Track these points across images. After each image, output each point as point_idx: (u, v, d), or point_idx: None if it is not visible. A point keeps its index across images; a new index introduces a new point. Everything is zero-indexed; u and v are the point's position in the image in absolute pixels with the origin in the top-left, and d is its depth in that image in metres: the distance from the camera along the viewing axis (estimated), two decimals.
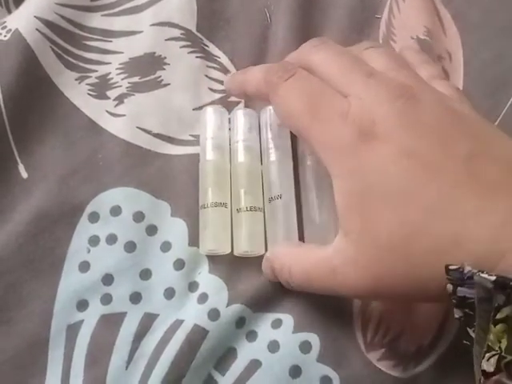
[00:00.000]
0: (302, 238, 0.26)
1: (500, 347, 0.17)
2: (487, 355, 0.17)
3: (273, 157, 0.27)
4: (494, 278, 0.16)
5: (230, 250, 0.25)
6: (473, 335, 0.18)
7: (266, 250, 0.26)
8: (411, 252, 0.19)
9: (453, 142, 0.20)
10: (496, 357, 0.17)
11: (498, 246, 0.18)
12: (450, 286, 0.18)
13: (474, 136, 0.20)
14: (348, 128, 0.21)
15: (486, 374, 0.17)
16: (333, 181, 0.21)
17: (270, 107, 0.27)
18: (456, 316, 0.19)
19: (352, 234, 0.21)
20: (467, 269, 0.17)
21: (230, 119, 0.28)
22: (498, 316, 0.17)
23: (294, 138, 0.28)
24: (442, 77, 0.24)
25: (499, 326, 0.17)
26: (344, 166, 0.21)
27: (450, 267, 0.18)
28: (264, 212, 0.26)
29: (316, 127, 0.22)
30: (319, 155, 0.22)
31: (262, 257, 0.25)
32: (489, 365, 0.17)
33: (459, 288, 0.18)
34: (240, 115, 0.27)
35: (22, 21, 0.28)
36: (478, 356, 0.18)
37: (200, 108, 0.28)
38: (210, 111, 0.27)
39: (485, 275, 0.17)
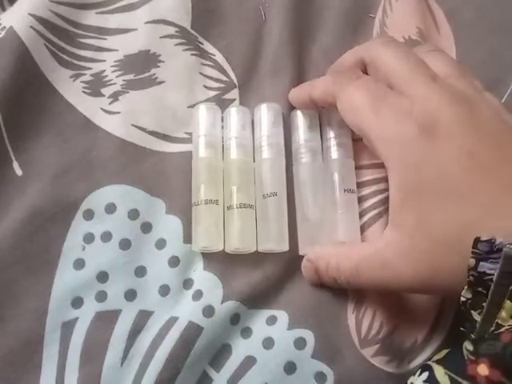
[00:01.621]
0: (292, 235, 0.26)
1: None
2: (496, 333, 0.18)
3: (266, 154, 0.27)
4: None
5: (222, 247, 0.26)
6: (476, 318, 0.19)
7: (257, 246, 0.26)
8: (466, 245, 0.19)
9: (506, 148, 0.21)
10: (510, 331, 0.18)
11: None
12: (472, 261, 0.19)
13: None
14: (411, 124, 0.22)
15: None
16: (389, 174, 0.23)
17: (264, 105, 0.28)
18: (463, 299, 0.20)
19: (406, 227, 0.22)
20: (498, 240, 0.18)
21: (223, 117, 0.28)
22: None
23: (286, 137, 0.28)
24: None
25: None
26: (404, 159, 0.22)
27: (482, 239, 0.19)
28: (255, 209, 0.26)
29: (379, 122, 0.23)
30: (377, 149, 0.23)
31: (255, 253, 0.26)
32: None
33: (481, 263, 0.19)
34: (233, 112, 0.27)
35: (16, 18, 0.28)
36: (482, 335, 0.19)
37: (195, 106, 0.28)
38: (202, 109, 0.27)
39: None
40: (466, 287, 0.19)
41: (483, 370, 0.18)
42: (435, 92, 0.22)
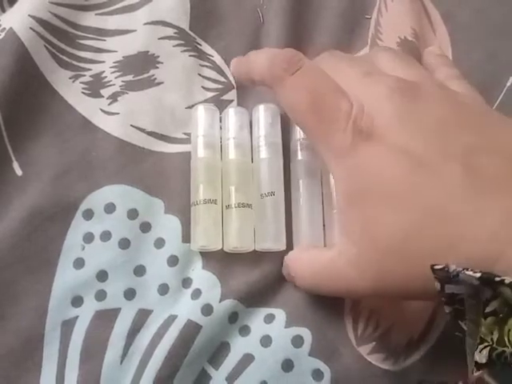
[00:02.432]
0: (290, 234, 0.26)
1: (492, 339, 0.17)
2: (480, 347, 0.17)
3: (264, 154, 0.27)
4: (479, 275, 0.16)
5: (221, 246, 0.26)
6: (465, 327, 0.19)
7: (255, 245, 0.26)
8: (409, 254, 0.19)
9: (452, 136, 0.19)
10: (488, 348, 0.17)
11: (495, 247, 0.17)
12: (437, 284, 0.18)
13: (478, 129, 0.20)
14: (349, 129, 0.21)
15: (479, 366, 0.17)
16: (334, 182, 0.22)
17: (262, 105, 0.28)
18: (446, 311, 0.19)
19: (351, 236, 0.21)
20: (452, 268, 0.17)
21: (221, 117, 0.28)
22: (488, 309, 0.17)
23: (285, 136, 0.28)
24: (460, 77, 0.24)
25: (490, 319, 0.17)
26: (344, 167, 0.21)
27: (435, 267, 0.18)
28: (254, 208, 0.26)
29: (320, 127, 0.22)
30: (321, 156, 0.22)
31: (253, 252, 0.26)
32: (481, 356, 0.17)
33: (447, 285, 0.18)
34: (231, 113, 0.28)
35: (16, 19, 0.28)
36: (472, 347, 0.18)
37: (193, 106, 0.28)
38: (201, 109, 0.28)
39: (470, 273, 0.17)
40: (444, 305, 0.19)
41: None
42: (369, 86, 0.21)
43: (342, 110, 0.21)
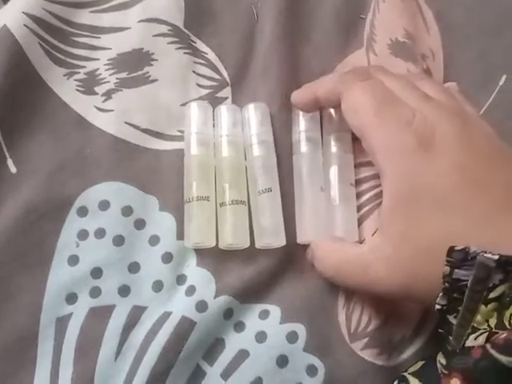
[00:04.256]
0: (287, 229, 0.26)
1: (489, 325, 0.18)
2: (471, 336, 0.19)
3: (257, 152, 0.27)
4: (497, 257, 0.18)
5: (214, 243, 0.26)
6: (453, 322, 0.20)
7: (251, 242, 0.26)
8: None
9: (497, 166, 0.22)
10: (485, 334, 0.18)
11: None
12: (447, 269, 0.19)
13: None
14: (411, 134, 0.22)
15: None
16: (384, 181, 0.23)
17: (252, 104, 0.28)
18: (438, 306, 0.20)
19: (392, 234, 0.22)
20: (472, 249, 0.19)
21: (214, 115, 0.28)
22: (491, 295, 0.18)
23: (275, 135, 0.28)
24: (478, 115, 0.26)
25: (490, 305, 0.18)
26: (398, 168, 0.22)
27: (456, 248, 0.19)
28: (249, 205, 0.27)
29: (380, 127, 0.23)
30: (375, 155, 0.23)
31: (247, 249, 0.26)
32: (476, 343, 0.18)
33: (456, 270, 0.19)
34: (224, 110, 0.28)
35: (10, 17, 0.28)
36: (459, 339, 0.19)
37: (187, 104, 0.29)
38: (194, 106, 0.28)
39: (488, 255, 0.18)
40: (441, 294, 0.20)
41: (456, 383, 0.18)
42: (432, 107, 0.23)
43: (404, 116, 0.23)
